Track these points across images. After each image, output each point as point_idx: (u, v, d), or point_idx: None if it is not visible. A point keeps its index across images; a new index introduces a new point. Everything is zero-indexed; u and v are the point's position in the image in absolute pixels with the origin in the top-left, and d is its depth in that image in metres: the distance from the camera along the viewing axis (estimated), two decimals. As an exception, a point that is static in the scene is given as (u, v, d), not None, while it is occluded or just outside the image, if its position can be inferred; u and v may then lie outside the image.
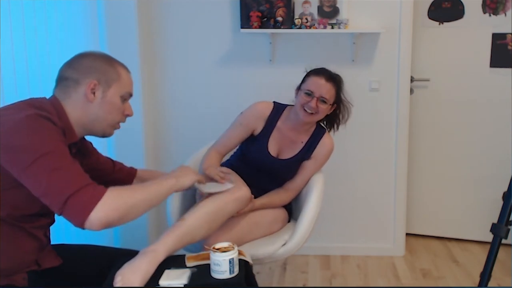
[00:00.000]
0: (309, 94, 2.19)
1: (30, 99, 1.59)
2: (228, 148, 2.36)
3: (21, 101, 1.57)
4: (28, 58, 2.32)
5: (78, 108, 1.59)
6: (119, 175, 1.93)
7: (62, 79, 1.62)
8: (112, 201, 1.43)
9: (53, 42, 2.46)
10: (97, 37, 2.74)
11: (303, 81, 2.27)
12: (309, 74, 2.26)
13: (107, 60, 1.66)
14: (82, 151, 1.73)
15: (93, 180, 1.82)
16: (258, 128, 2.31)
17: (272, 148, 2.30)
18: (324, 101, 2.19)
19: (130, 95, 1.70)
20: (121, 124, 1.69)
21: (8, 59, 2.21)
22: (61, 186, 1.38)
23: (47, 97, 1.62)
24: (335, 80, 2.23)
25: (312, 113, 2.20)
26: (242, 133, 2.32)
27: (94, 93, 1.59)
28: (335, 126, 2.36)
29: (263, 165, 2.31)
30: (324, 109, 2.21)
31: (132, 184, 1.95)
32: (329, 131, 2.37)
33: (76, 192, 1.38)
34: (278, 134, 2.31)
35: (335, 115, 2.33)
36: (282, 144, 2.32)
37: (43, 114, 1.46)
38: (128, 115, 1.70)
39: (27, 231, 1.54)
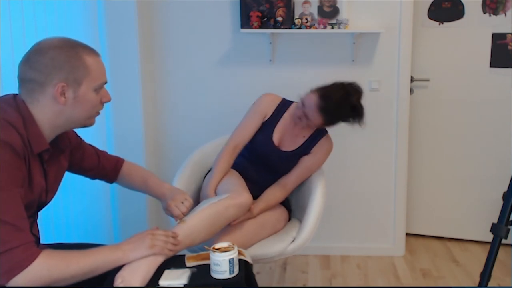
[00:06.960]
0: (303, 105, 2.23)
1: None
2: (246, 138, 2.35)
3: None
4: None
5: (49, 112, 1.46)
6: (103, 171, 1.85)
7: (25, 81, 1.46)
8: (38, 272, 1.34)
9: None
10: (97, 37, 2.74)
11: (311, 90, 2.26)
12: (314, 90, 2.23)
13: (70, 51, 1.46)
14: (60, 149, 1.62)
15: (77, 171, 1.78)
16: (268, 114, 2.37)
17: (276, 137, 2.35)
18: (310, 119, 2.23)
19: (105, 83, 1.54)
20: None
21: (8, 59, 2.21)
22: None
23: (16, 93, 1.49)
24: (327, 112, 2.18)
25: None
26: (258, 121, 2.36)
27: (64, 95, 1.45)
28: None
29: (263, 154, 2.34)
30: (313, 122, 2.24)
31: (117, 178, 1.89)
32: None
33: (6, 251, 1.30)
34: (283, 125, 2.36)
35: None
36: (285, 136, 2.36)
37: (5, 139, 1.33)
38: (106, 102, 1.57)
39: None
